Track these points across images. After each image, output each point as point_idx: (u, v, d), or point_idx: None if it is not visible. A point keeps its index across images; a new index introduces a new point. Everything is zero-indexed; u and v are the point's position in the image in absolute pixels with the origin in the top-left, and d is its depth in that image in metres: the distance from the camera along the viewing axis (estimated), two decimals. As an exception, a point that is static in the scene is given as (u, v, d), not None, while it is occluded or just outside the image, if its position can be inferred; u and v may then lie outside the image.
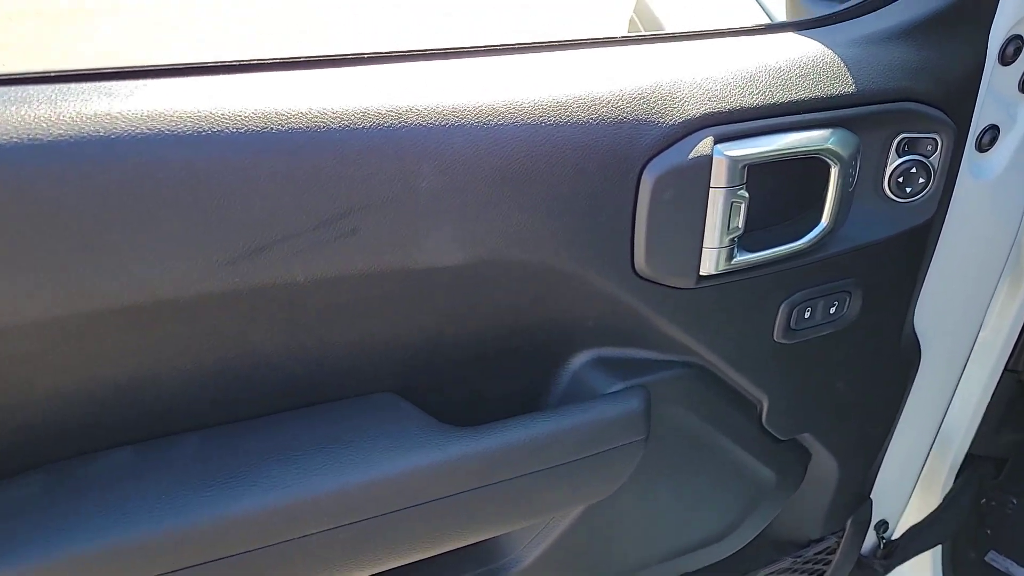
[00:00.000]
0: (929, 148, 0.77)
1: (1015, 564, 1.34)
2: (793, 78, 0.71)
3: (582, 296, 0.70)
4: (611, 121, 0.64)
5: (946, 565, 1.27)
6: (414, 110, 0.59)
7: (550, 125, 0.62)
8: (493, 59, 0.66)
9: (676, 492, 0.85)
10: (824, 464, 0.96)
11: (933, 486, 1.18)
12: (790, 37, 0.75)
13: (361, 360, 0.67)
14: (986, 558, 1.33)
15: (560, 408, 0.73)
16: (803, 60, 0.72)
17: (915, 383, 0.99)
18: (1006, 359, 1.10)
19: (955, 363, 1.05)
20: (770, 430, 0.88)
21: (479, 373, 0.74)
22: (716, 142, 0.67)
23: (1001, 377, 1.11)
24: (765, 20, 0.82)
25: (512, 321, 0.71)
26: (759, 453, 0.88)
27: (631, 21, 1.96)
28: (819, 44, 0.74)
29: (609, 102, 0.64)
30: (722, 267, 0.71)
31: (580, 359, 0.76)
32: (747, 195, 0.68)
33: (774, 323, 0.79)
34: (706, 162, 0.66)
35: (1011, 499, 1.44)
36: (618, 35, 0.73)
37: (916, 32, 0.75)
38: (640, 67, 0.68)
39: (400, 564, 0.69)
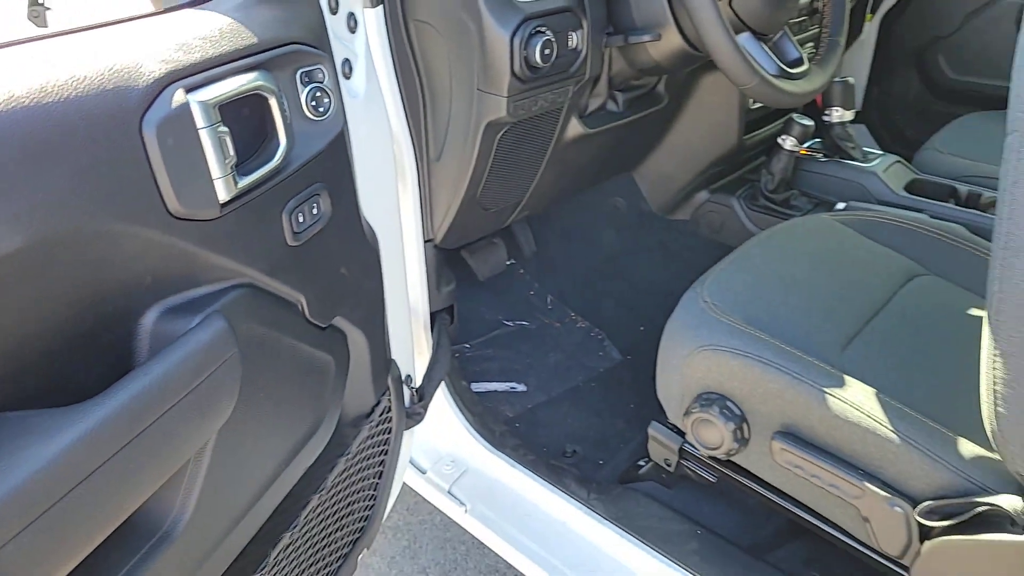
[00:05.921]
0: (320, 76, 0.99)
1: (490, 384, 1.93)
2: (218, 38, 0.88)
3: (134, 253, 0.78)
4: (99, 92, 0.74)
5: (451, 394, 1.70)
6: None
7: (53, 104, 0.69)
8: None
9: (275, 398, 0.98)
10: (357, 340, 1.19)
11: (422, 343, 1.55)
12: (194, 12, 0.92)
13: None
14: (470, 386, 1.82)
15: (152, 359, 0.78)
16: (215, 25, 0.90)
17: (383, 264, 1.27)
18: (423, 234, 1.42)
19: (396, 244, 1.32)
20: (314, 321, 1.06)
21: (63, 365, 0.75)
22: (187, 91, 0.81)
23: (424, 248, 1.44)
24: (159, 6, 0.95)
25: (78, 301, 0.74)
26: (315, 343, 1.06)
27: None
28: (218, 14, 0.93)
29: (93, 78, 0.74)
30: (233, 192, 0.84)
31: (151, 316, 0.83)
32: (228, 129, 0.83)
33: (283, 231, 0.97)
34: (186, 108, 0.79)
35: (466, 345, 2.01)
36: (75, 26, 0.82)
37: None
38: (108, 46, 0.78)
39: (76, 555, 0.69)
